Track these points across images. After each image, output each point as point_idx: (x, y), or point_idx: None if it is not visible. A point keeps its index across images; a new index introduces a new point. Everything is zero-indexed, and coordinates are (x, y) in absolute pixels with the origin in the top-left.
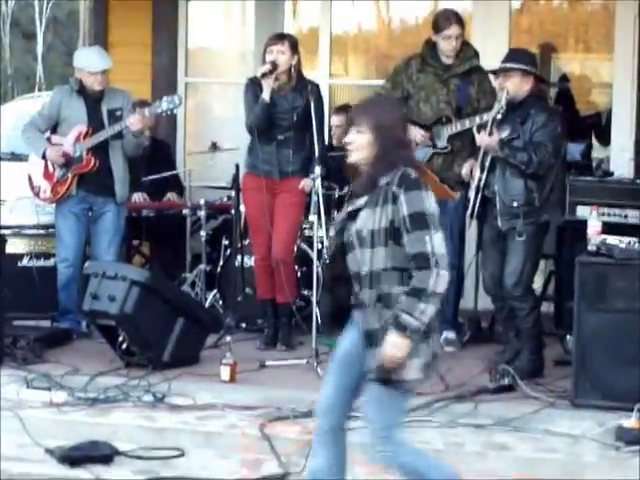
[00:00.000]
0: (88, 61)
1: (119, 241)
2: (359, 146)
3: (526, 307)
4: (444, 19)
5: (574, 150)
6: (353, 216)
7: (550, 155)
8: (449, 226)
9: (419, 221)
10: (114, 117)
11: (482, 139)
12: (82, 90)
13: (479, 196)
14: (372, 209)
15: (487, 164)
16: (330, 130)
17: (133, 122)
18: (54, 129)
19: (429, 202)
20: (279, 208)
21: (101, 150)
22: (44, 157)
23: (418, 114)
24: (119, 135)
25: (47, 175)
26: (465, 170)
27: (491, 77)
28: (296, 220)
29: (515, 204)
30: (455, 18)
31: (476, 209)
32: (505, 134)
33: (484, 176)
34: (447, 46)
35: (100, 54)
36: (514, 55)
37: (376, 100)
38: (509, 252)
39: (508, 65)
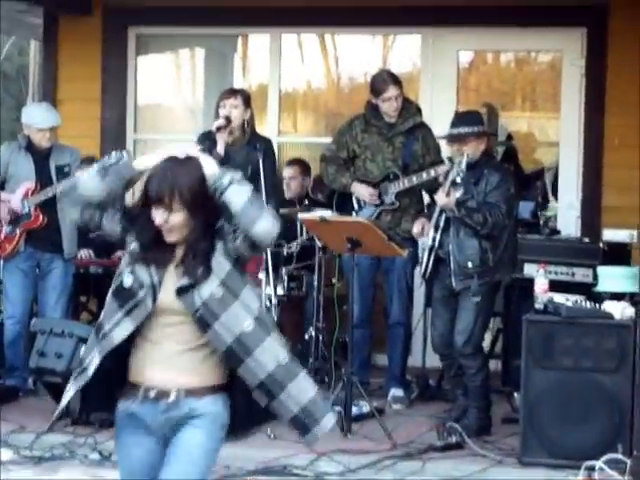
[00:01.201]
0: (36, 118)
1: (66, 298)
2: (174, 227)
3: (475, 365)
4: (381, 82)
5: (523, 208)
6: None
7: (504, 216)
8: (397, 283)
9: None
10: (62, 173)
11: (440, 199)
12: (30, 146)
13: (432, 256)
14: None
15: (442, 224)
16: (282, 183)
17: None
18: (1, 186)
19: None
20: None
21: (49, 206)
22: None
23: (365, 173)
24: None
25: None
26: (416, 229)
27: (442, 141)
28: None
29: (470, 264)
30: (391, 79)
31: (429, 269)
32: (459, 194)
33: (438, 235)
34: (389, 108)
35: (49, 111)
36: (465, 119)
37: (174, 164)
38: (461, 310)
39: (463, 131)
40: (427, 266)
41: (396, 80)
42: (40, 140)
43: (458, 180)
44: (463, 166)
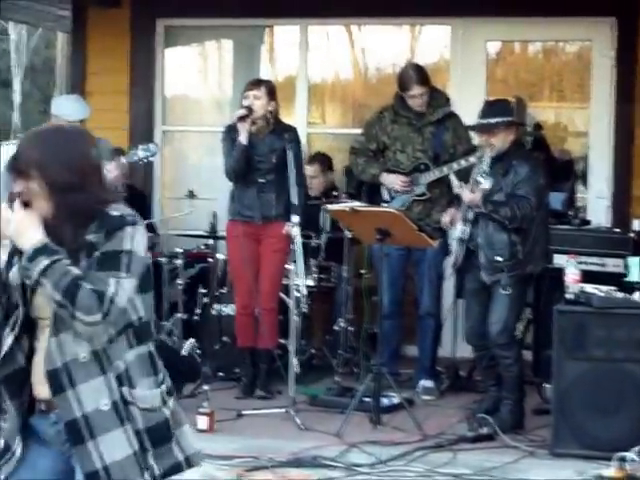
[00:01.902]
0: (67, 109)
1: None
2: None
3: (510, 355)
4: (407, 79)
5: (554, 199)
6: None
7: (533, 208)
8: (427, 274)
9: (109, 260)
10: None
11: (465, 196)
12: None
13: (463, 249)
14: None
15: (470, 217)
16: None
17: (110, 170)
18: None
19: (134, 242)
20: (264, 255)
21: None
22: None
23: (395, 164)
24: None
25: None
26: (446, 219)
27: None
28: (281, 267)
29: (499, 259)
30: (416, 77)
31: (460, 261)
32: (487, 185)
33: (468, 228)
34: (414, 104)
35: (79, 102)
36: (494, 109)
37: (45, 133)
38: (493, 302)
39: (492, 121)
40: (458, 257)
41: (421, 77)
42: None
43: (480, 179)
44: (485, 166)
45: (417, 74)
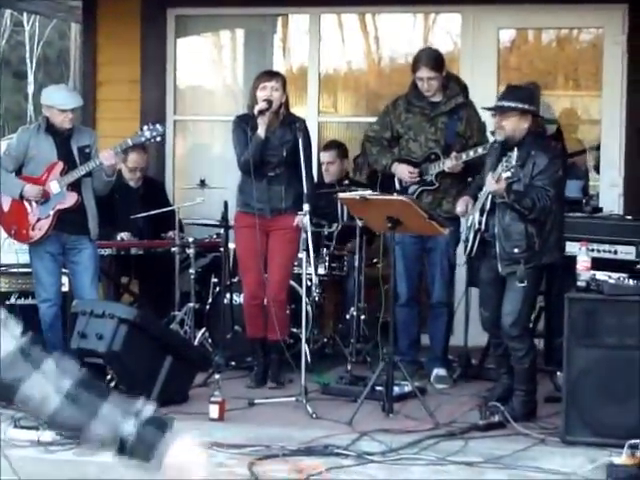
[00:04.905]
0: (59, 99)
1: (97, 278)
2: None
3: (522, 347)
4: (417, 59)
5: (572, 187)
6: None
7: (552, 200)
8: (439, 263)
9: None
10: (84, 154)
11: (490, 185)
12: (50, 128)
13: (477, 238)
14: None
15: (487, 207)
16: (320, 167)
17: (107, 157)
18: (19, 170)
19: None
20: (273, 246)
21: (74, 188)
22: (21, 196)
23: (408, 153)
24: (89, 173)
25: (23, 214)
26: (460, 207)
27: (486, 113)
28: (291, 258)
29: (516, 250)
30: (426, 60)
31: (474, 251)
32: (507, 175)
33: (484, 219)
34: (422, 87)
35: (70, 92)
36: (511, 93)
37: None
38: (508, 292)
39: (505, 104)
40: (472, 247)
41: (432, 62)
42: (62, 121)
43: (506, 175)
44: (513, 161)
45: (427, 57)
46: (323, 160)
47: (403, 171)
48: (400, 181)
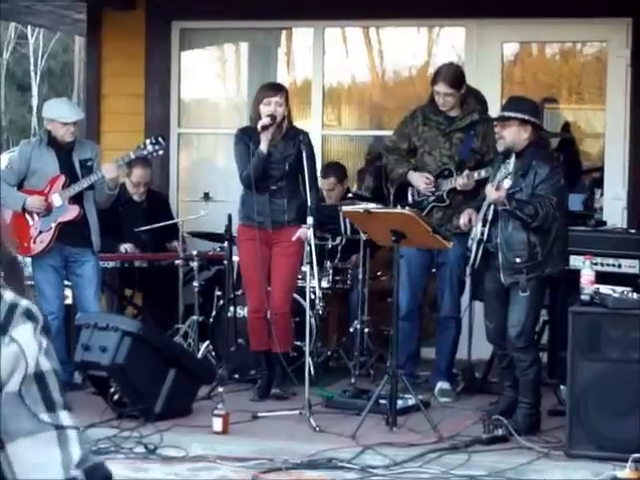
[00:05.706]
0: (61, 112)
1: (100, 290)
2: None
3: (528, 359)
4: (436, 74)
5: (572, 201)
6: None
7: (555, 208)
8: (449, 277)
9: None
10: (86, 167)
11: (490, 193)
12: (52, 141)
13: (481, 249)
14: None
15: (490, 217)
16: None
17: (109, 170)
18: (21, 183)
19: None
20: (276, 259)
21: (76, 201)
22: (24, 209)
23: (423, 166)
24: (91, 186)
25: (25, 228)
26: (463, 220)
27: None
28: (293, 271)
29: (518, 260)
30: (445, 75)
31: (477, 262)
32: (507, 185)
33: (486, 230)
34: (438, 101)
35: (71, 105)
36: (512, 103)
37: None
38: (512, 304)
39: (505, 114)
40: (476, 258)
41: (449, 77)
42: (64, 135)
43: (505, 185)
44: (511, 168)
45: (447, 73)
46: (322, 187)
47: (419, 180)
48: (413, 195)
